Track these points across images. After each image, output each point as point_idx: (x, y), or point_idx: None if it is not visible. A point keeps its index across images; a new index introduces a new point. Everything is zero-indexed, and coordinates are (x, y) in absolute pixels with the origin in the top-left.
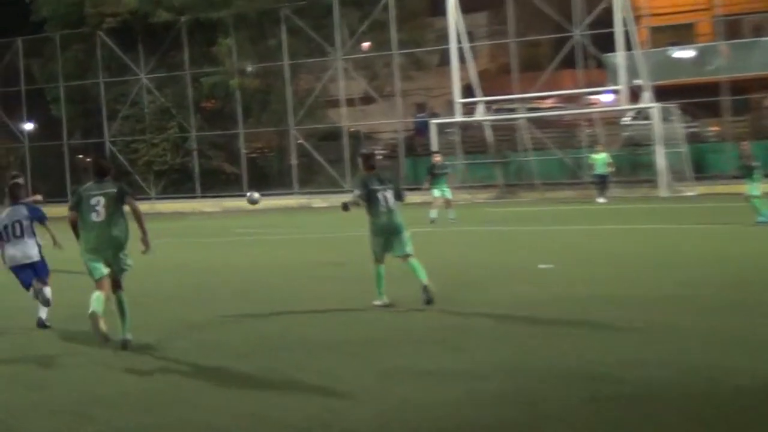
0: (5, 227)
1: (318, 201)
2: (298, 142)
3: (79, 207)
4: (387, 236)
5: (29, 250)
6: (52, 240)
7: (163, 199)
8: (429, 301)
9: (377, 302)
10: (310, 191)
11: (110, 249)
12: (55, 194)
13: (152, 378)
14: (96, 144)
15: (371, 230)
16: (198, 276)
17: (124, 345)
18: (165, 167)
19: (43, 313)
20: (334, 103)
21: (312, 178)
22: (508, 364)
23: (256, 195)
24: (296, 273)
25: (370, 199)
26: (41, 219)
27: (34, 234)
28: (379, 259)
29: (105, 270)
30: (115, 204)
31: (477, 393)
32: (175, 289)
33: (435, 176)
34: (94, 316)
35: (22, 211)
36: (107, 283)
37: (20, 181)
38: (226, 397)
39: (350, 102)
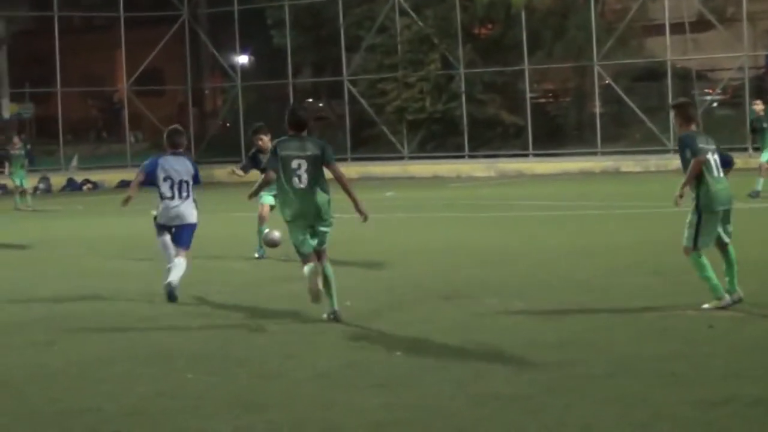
0: (167, 180)
1: (629, 164)
2: (605, 82)
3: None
4: (722, 212)
5: (188, 211)
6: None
7: (419, 158)
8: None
9: (708, 305)
10: (619, 150)
11: (315, 218)
12: None
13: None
14: (330, 83)
15: (703, 205)
16: (461, 264)
17: (335, 317)
18: (423, 116)
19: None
20: (655, 30)
21: (622, 132)
22: None
23: (277, 235)
24: (588, 259)
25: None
26: (197, 181)
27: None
28: (704, 245)
29: (313, 242)
30: (319, 168)
31: None
32: (429, 279)
33: (758, 132)
34: (313, 287)
35: (188, 166)
36: (315, 256)
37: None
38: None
39: (677, 28)
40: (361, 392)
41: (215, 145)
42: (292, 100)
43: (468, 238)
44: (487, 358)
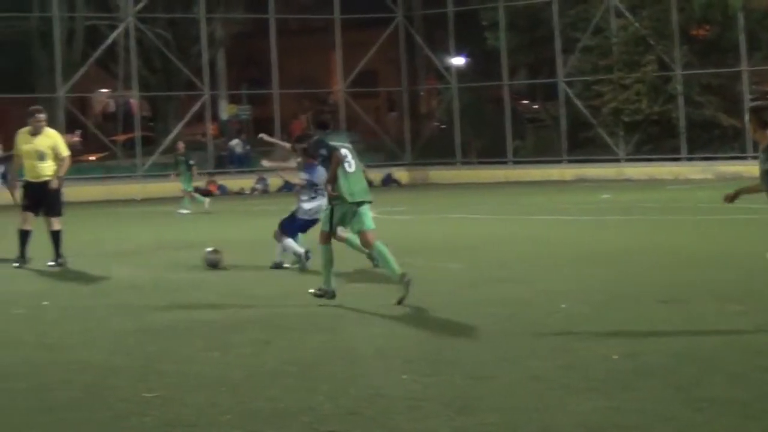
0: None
1: None
2: None
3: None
4: None
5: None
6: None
7: (635, 161)
8: None
9: None
10: None
11: (364, 195)
12: (490, 152)
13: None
14: (545, 86)
15: None
16: (670, 266)
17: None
18: (639, 118)
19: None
20: None
21: None
22: None
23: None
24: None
25: None
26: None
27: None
28: None
29: (369, 224)
30: (356, 154)
31: None
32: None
33: None
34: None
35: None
36: (373, 235)
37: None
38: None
39: None
40: (577, 395)
41: (430, 147)
42: (507, 102)
43: (685, 241)
44: (706, 363)
